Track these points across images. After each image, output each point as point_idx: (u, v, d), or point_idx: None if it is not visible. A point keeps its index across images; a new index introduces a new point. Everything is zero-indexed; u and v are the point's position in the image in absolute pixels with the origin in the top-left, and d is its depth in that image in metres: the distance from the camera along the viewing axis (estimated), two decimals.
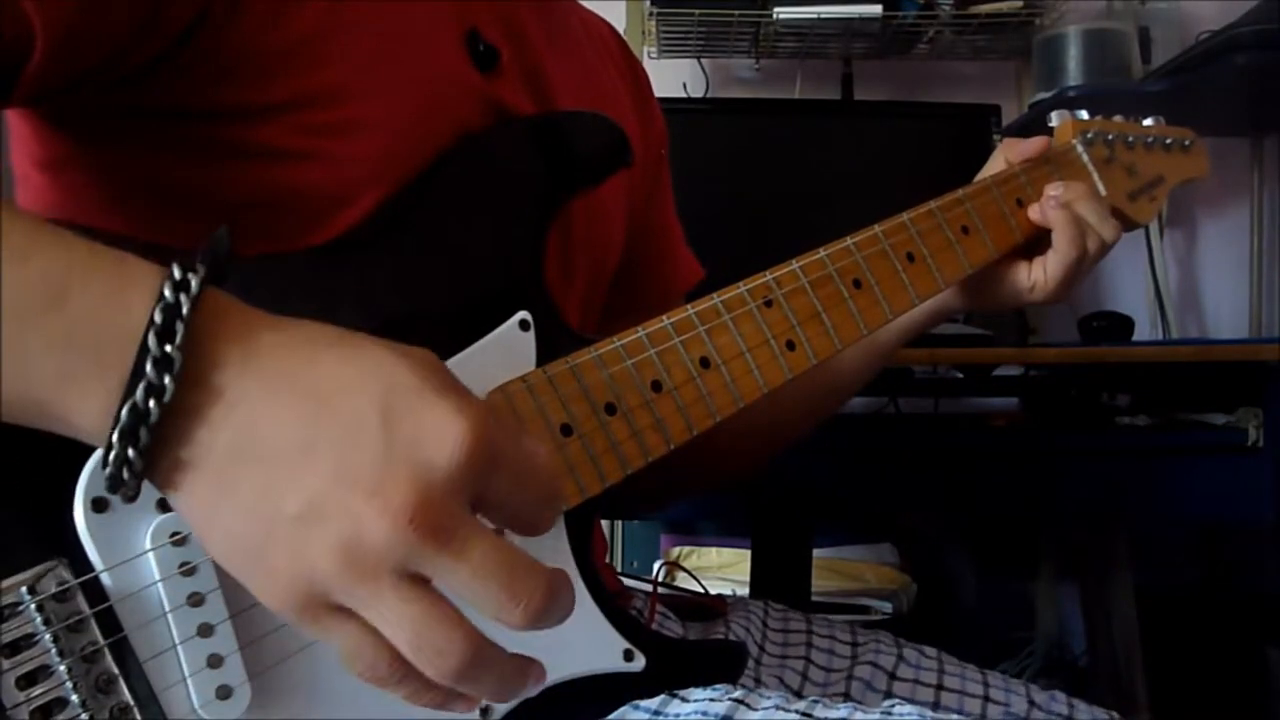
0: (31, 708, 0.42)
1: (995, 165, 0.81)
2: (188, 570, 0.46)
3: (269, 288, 0.53)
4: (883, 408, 1.52)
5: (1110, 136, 0.84)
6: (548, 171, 0.62)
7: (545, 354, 0.57)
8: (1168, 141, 0.88)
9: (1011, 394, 1.58)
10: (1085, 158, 0.82)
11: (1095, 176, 0.82)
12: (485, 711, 0.53)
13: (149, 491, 0.41)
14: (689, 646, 0.67)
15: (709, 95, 1.87)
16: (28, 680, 0.43)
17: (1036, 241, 0.78)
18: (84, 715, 0.43)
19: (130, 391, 0.38)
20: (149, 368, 0.38)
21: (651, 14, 1.67)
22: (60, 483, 0.44)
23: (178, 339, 0.38)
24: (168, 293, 0.39)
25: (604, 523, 1.24)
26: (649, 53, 1.76)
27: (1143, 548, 1.70)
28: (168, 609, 0.45)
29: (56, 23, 0.47)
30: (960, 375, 1.40)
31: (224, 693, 0.46)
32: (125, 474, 0.39)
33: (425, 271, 0.57)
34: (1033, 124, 1.61)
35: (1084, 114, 0.85)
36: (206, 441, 0.39)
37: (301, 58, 0.56)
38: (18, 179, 0.61)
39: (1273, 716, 1.75)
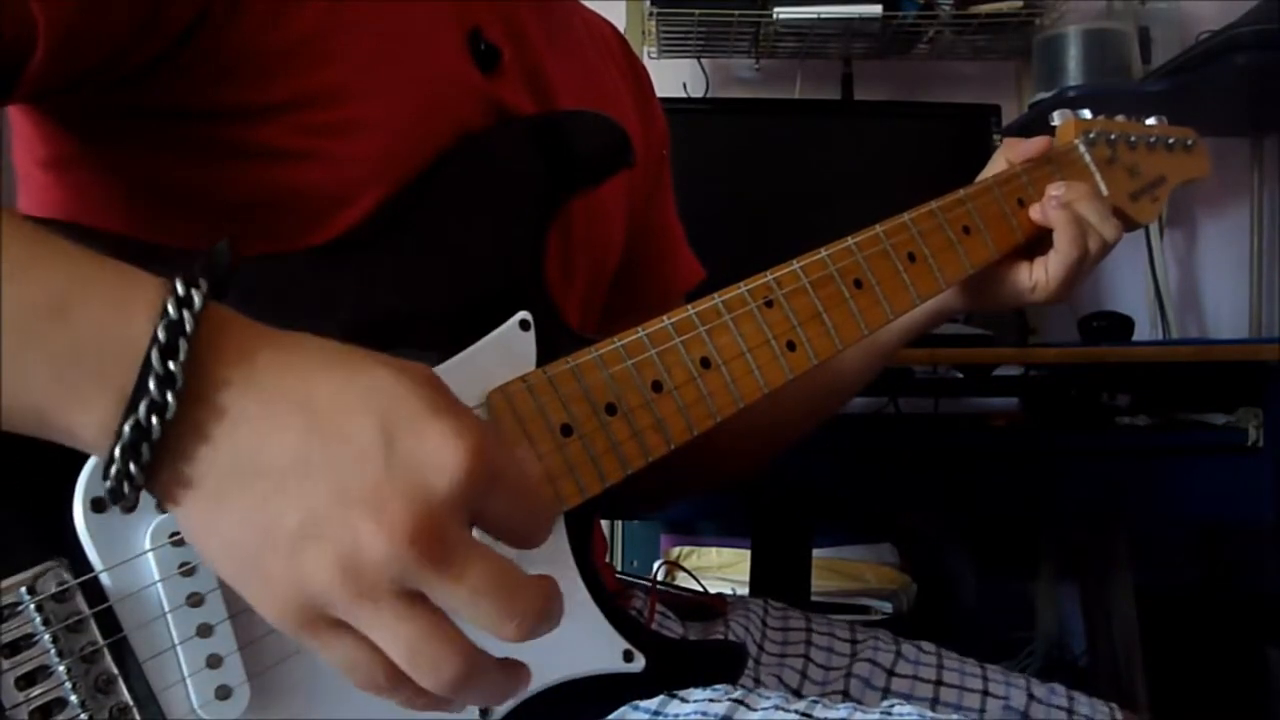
0: (31, 708, 0.42)
1: (996, 166, 0.80)
2: (187, 570, 0.46)
3: (269, 288, 0.53)
4: (883, 408, 1.52)
5: (1112, 136, 0.84)
6: (548, 171, 0.62)
7: (545, 354, 0.57)
8: (1170, 141, 0.88)
9: (1011, 394, 1.58)
10: (1087, 158, 0.82)
11: (1097, 176, 0.82)
12: (485, 712, 0.53)
13: None
14: (689, 647, 0.67)
15: (709, 95, 1.87)
16: (27, 680, 0.42)
17: (1038, 242, 0.78)
18: (83, 715, 0.43)
19: (133, 407, 0.38)
20: (152, 384, 0.38)
21: (651, 14, 1.67)
22: (60, 483, 0.44)
23: (181, 356, 0.38)
24: (171, 309, 0.39)
25: (604, 523, 1.24)
26: (649, 53, 1.76)
27: (1143, 548, 1.70)
28: (167, 609, 0.45)
29: (58, 22, 0.47)
30: (960, 375, 1.40)
31: (223, 693, 0.46)
32: (126, 488, 0.39)
33: (425, 271, 0.57)
34: (1033, 124, 1.61)
35: (1086, 114, 0.85)
36: (208, 458, 0.39)
37: (302, 57, 0.56)
38: (20, 178, 0.61)
39: (1273, 716, 1.75)
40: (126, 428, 0.38)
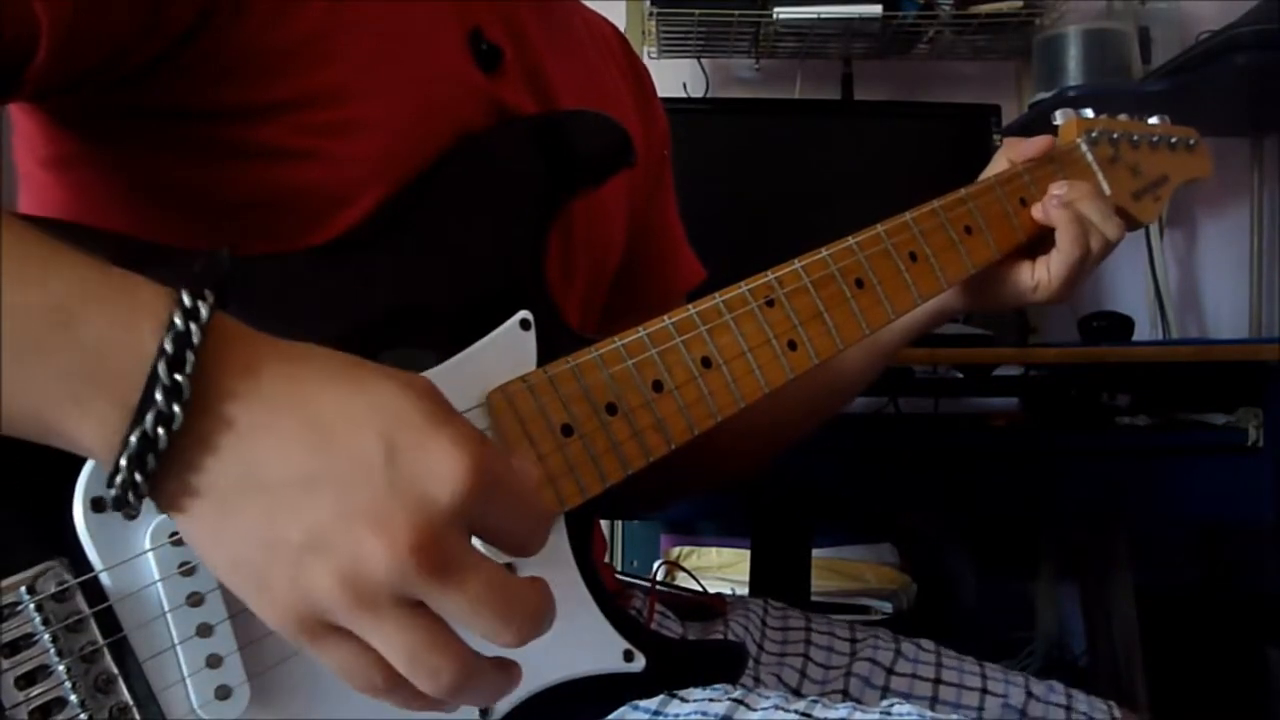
0: (30, 708, 0.42)
1: (998, 166, 0.80)
2: (187, 570, 0.46)
3: (269, 288, 0.53)
4: (883, 408, 1.52)
5: (1115, 135, 0.84)
6: (549, 171, 0.62)
7: (546, 354, 0.57)
8: (1172, 141, 0.88)
9: (1011, 394, 1.58)
10: (1090, 157, 0.82)
11: (1100, 175, 0.82)
12: (484, 712, 0.53)
13: None
14: (689, 647, 0.67)
15: (709, 95, 1.87)
16: (27, 680, 0.42)
17: (1040, 241, 0.77)
18: (83, 715, 0.43)
19: (139, 418, 0.38)
20: (159, 396, 0.38)
21: (651, 14, 1.67)
22: (59, 483, 0.44)
23: (188, 368, 0.39)
24: (178, 321, 0.39)
25: (604, 523, 1.24)
26: (649, 53, 1.76)
27: (1143, 548, 1.70)
28: (167, 609, 0.45)
29: (60, 22, 0.47)
30: (960, 375, 1.40)
31: (223, 693, 0.46)
32: (130, 496, 0.39)
33: (426, 271, 0.57)
34: (1033, 124, 1.61)
35: (1089, 113, 0.85)
36: (213, 469, 0.40)
37: (303, 57, 0.56)
38: (21, 177, 0.61)
39: (1273, 716, 1.75)
40: (133, 438, 0.38)
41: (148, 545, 0.45)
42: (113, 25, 0.50)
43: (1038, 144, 0.79)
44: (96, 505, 0.44)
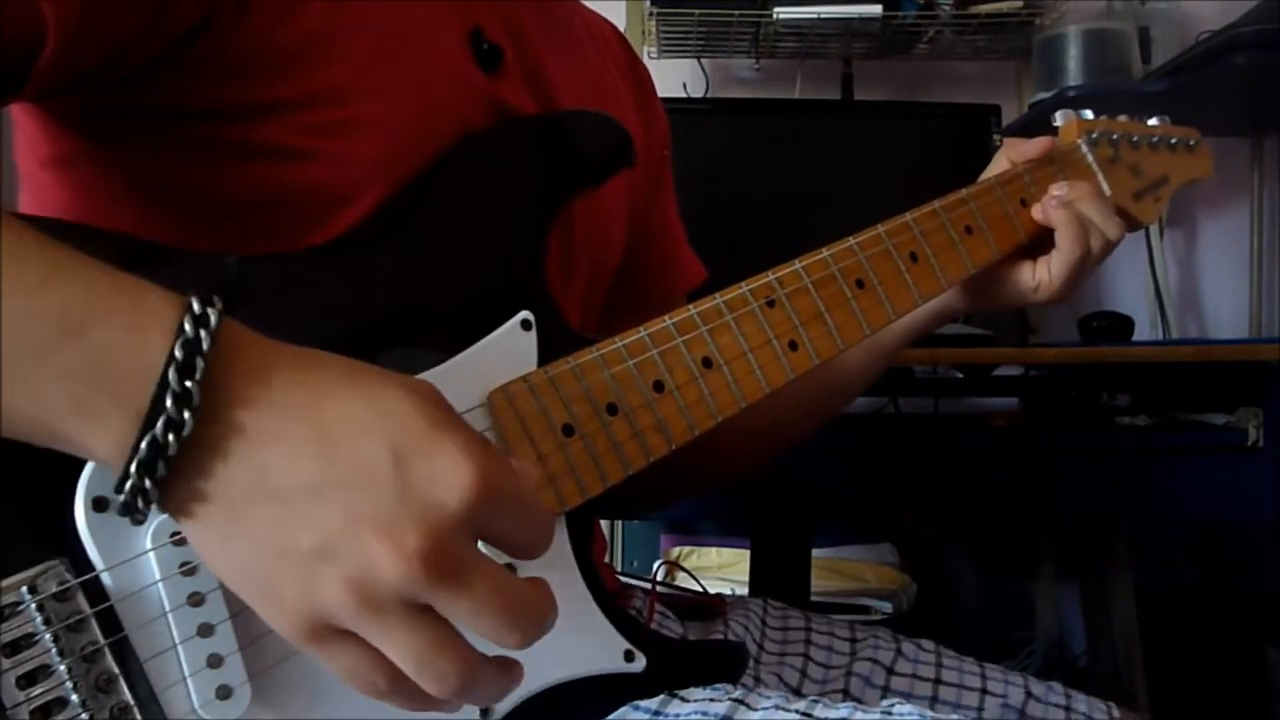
0: (31, 707, 0.42)
1: (998, 166, 0.80)
2: (188, 570, 0.46)
3: (269, 288, 0.53)
4: (883, 408, 1.52)
5: (1115, 136, 0.84)
6: (549, 171, 0.62)
7: (546, 354, 0.57)
8: (1172, 141, 0.88)
9: (1011, 394, 1.58)
10: (1090, 157, 0.82)
11: (1100, 176, 0.82)
12: (485, 711, 0.53)
13: None
14: (689, 647, 0.67)
15: (709, 95, 1.87)
16: (28, 680, 0.42)
17: (1040, 242, 0.77)
18: (84, 715, 0.43)
19: (149, 425, 0.39)
20: (169, 403, 0.38)
21: (651, 14, 1.67)
22: (61, 482, 0.44)
23: (198, 374, 0.39)
24: (188, 327, 0.39)
25: (604, 523, 1.24)
26: (649, 53, 1.76)
27: (1143, 548, 1.70)
28: (168, 609, 0.45)
29: (67, 21, 0.47)
30: (960, 375, 1.40)
31: (224, 693, 0.46)
32: (140, 502, 0.39)
33: (426, 271, 0.57)
34: (1033, 124, 1.61)
35: (1089, 114, 0.85)
36: (223, 475, 0.40)
37: (304, 57, 0.56)
38: (22, 177, 0.61)
39: (1273, 716, 1.75)
40: (143, 445, 0.38)
41: (149, 545, 0.45)
42: (116, 25, 0.50)
43: (1038, 145, 0.79)
44: (98, 505, 0.44)
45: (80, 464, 0.44)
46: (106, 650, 0.44)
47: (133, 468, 0.39)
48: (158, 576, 0.45)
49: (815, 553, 1.54)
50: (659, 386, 0.58)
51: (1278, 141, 1.86)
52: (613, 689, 0.58)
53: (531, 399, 0.55)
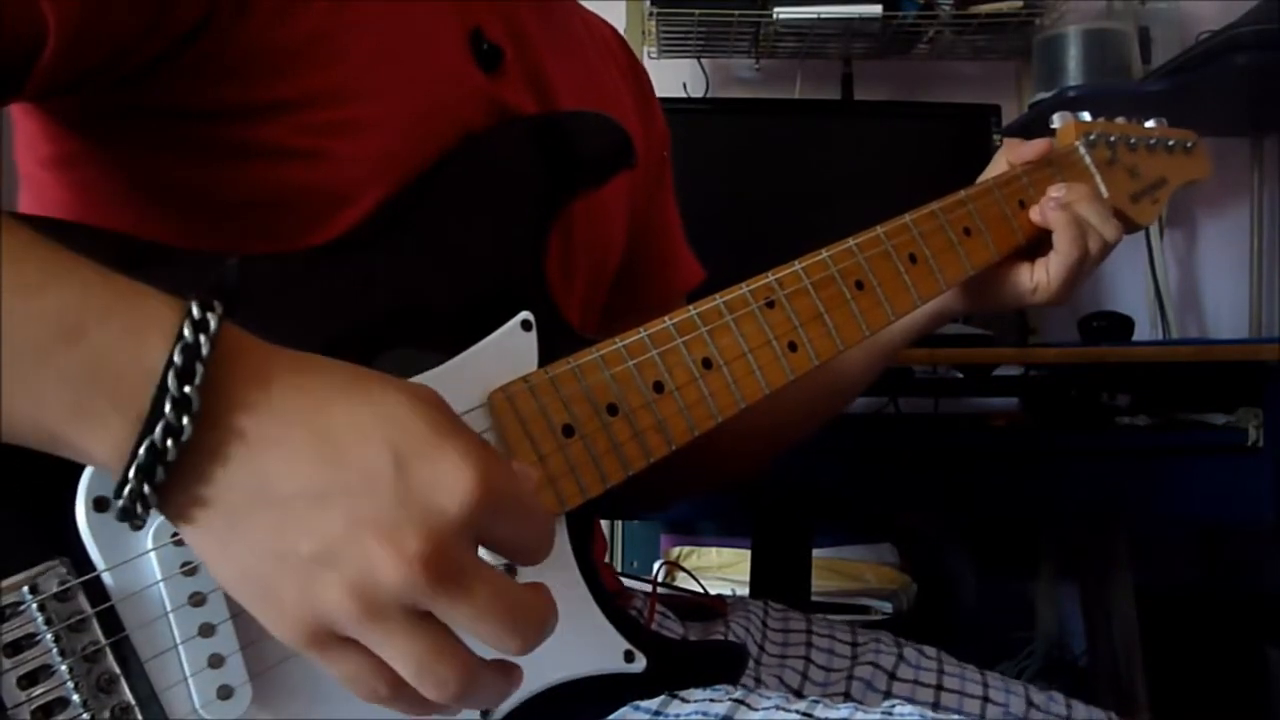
0: (33, 707, 0.42)
1: (997, 167, 0.81)
2: (189, 570, 0.46)
3: (269, 288, 0.53)
4: (883, 408, 1.52)
5: (1113, 138, 0.84)
6: (549, 172, 0.62)
7: (547, 354, 0.57)
8: (1170, 143, 0.88)
9: (1011, 394, 1.58)
10: (1088, 159, 0.82)
11: (1098, 178, 0.82)
12: (486, 712, 0.53)
13: None
14: (689, 647, 0.67)
15: (709, 95, 1.87)
16: (29, 680, 0.43)
17: (1039, 243, 0.78)
18: (85, 715, 0.43)
19: (148, 430, 0.38)
20: (168, 408, 0.38)
21: (651, 14, 1.67)
22: (62, 482, 0.44)
23: (197, 380, 0.39)
24: (187, 333, 0.39)
25: (604, 523, 1.24)
26: (649, 53, 1.76)
27: (1143, 548, 1.70)
28: (169, 608, 0.45)
29: (67, 21, 0.47)
30: (960, 375, 1.40)
31: (225, 693, 0.46)
32: (138, 508, 0.39)
33: (426, 272, 0.57)
34: (1033, 124, 1.61)
35: (1086, 116, 0.85)
36: (223, 480, 0.40)
37: (305, 57, 0.56)
38: (21, 177, 0.61)
39: (1273, 716, 1.75)
40: (141, 450, 0.38)
41: (150, 545, 0.45)
42: (117, 25, 0.50)
43: (1036, 147, 0.79)
44: (99, 505, 0.44)
45: (81, 464, 0.44)
46: (108, 650, 0.44)
47: (131, 473, 0.39)
48: (159, 576, 0.45)
49: (815, 553, 1.53)
50: (659, 387, 0.58)
51: (1278, 141, 1.86)
52: (613, 689, 0.58)
53: (532, 399, 0.55)
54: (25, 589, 0.43)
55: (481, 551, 0.42)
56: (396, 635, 0.40)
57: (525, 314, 0.57)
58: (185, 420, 0.38)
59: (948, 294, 0.76)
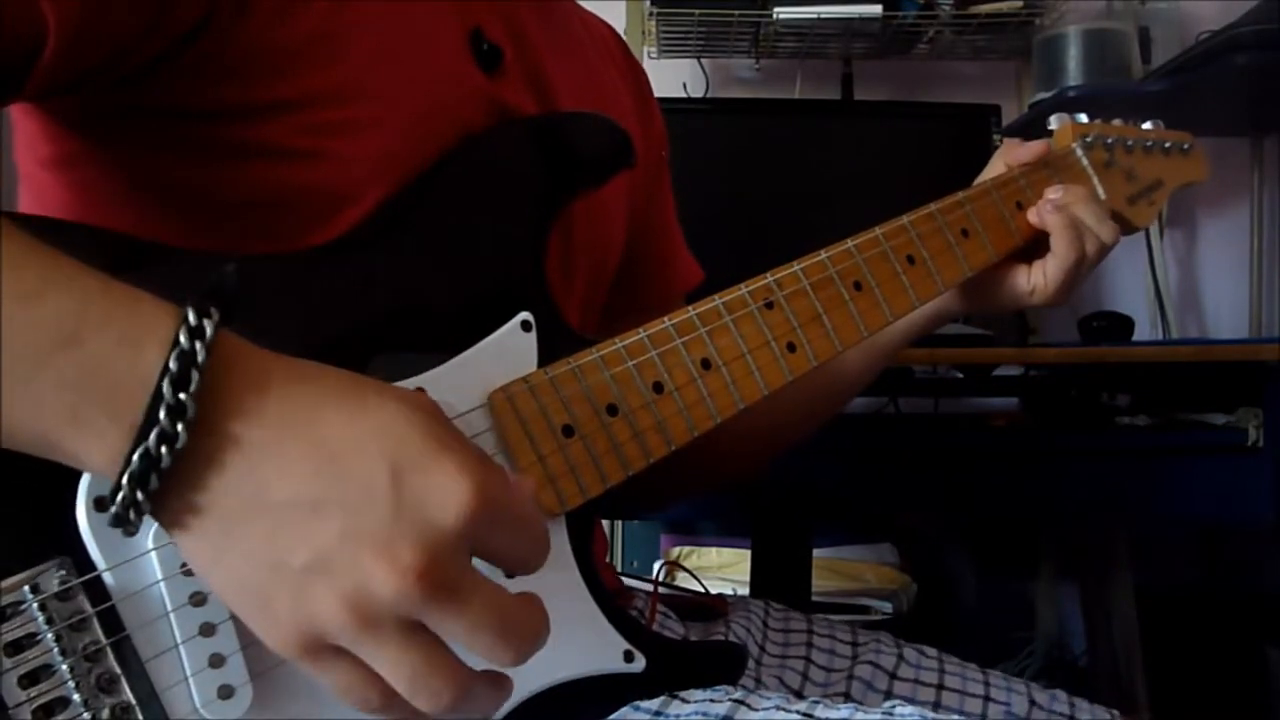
0: (33, 707, 0.42)
1: (995, 169, 0.81)
2: (189, 570, 0.46)
3: (270, 288, 0.53)
4: (883, 408, 1.52)
5: (1110, 140, 0.84)
6: (549, 172, 0.62)
7: (546, 355, 0.57)
8: (1167, 145, 0.88)
9: (1011, 394, 1.58)
10: (1084, 161, 0.82)
11: (1094, 180, 0.82)
12: None
13: None
14: (689, 647, 0.68)
15: (709, 95, 1.87)
16: (30, 679, 0.43)
17: (1036, 245, 0.78)
18: (85, 714, 0.43)
19: (143, 437, 0.38)
20: (163, 415, 0.38)
21: (651, 14, 1.67)
22: (62, 482, 0.44)
23: (192, 387, 0.39)
24: (183, 339, 0.39)
25: (604, 523, 1.24)
26: (649, 53, 1.76)
27: (1143, 548, 1.70)
28: (170, 608, 0.46)
29: (67, 21, 0.47)
30: (960, 375, 1.40)
31: (225, 692, 0.46)
32: (132, 514, 0.39)
33: (426, 272, 0.57)
34: (1033, 124, 1.61)
35: (1083, 117, 0.85)
36: (217, 488, 0.40)
37: (305, 57, 0.56)
38: (21, 178, 0.61)
39: (1273, 716, 1.75)
40: (135, 457, 0.38)
41: (150, 545, 0.45)
42: (117, 25, 0.50)
43: (1033, 149, 0.80)
44: (99, 505, 0.44)
45: None
46: (108, 650, 0.44)
47: (125, 479, 0.39)
48: (159, 576, 0.45)
49: (815, 553, 1.54)
50: (659, 388, 0.59)
51: (1278, 141, 1.85)
52: (613, 689, 0.58)
53: (532, 400, 0.55)
54: (26, 588, 0.43)
55: (476, 561, 0.42)
56: (390, 647, 0.39)
57: (525, 314, 0.57)
58: (180, 427, 0.38)
59: (946, 295, 0.76)
